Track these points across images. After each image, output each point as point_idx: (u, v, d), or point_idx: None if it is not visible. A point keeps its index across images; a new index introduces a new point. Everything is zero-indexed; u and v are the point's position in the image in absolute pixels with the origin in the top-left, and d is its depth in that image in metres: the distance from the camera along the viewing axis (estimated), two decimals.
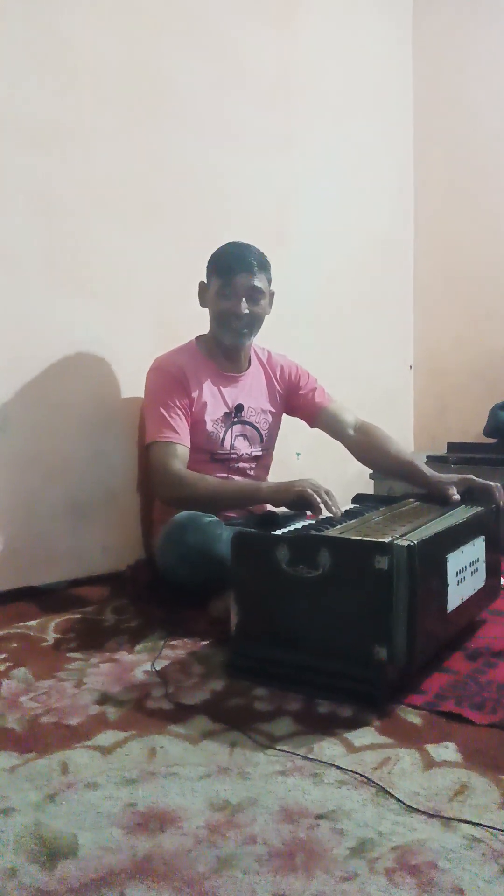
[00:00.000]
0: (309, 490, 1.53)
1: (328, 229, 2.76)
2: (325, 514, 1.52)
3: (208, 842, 0.87)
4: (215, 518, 1.68)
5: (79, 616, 1.73)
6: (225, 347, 1.86)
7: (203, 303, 1.88)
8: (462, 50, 3.20)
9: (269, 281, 1.84)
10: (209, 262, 1.85)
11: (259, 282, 1.80)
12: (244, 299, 1.79)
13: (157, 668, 1.39)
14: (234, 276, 1.77)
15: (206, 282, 1.86)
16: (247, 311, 1.79)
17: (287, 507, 1.64)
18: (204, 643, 1.55)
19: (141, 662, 1.44)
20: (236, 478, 1.88)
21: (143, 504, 2.05)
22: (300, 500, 1.53)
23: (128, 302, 2.03)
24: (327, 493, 1.52)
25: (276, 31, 2.52)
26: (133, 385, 2.00)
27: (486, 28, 3.12)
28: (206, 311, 1.90)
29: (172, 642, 1.54)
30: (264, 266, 1.82)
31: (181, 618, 1.67)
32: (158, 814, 0.93)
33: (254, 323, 1.84)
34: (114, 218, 1.99)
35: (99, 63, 1.94)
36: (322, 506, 1.51)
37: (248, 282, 1.78)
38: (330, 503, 1.51)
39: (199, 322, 2.11)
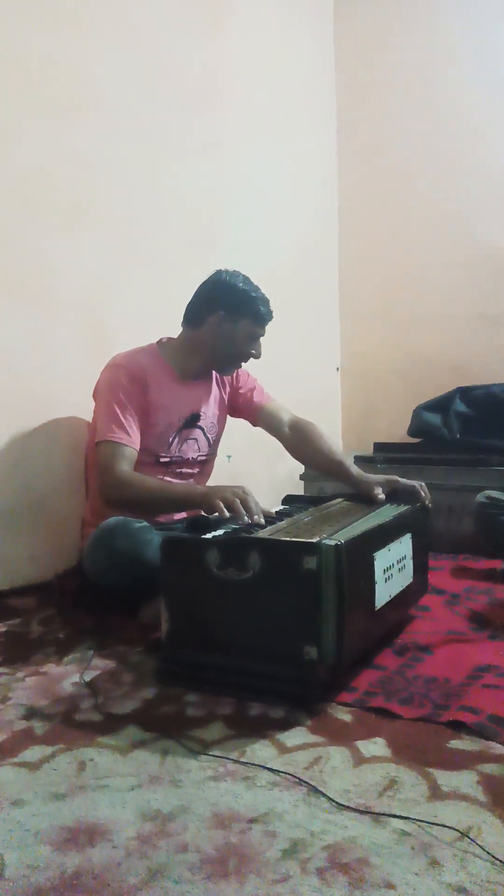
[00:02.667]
0: (218, 503, 1.48)
1: (256, 233, 2.77)
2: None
3: (139, 853, 0.86)
4: (145, 523, 1.66)
5: (4, 629, 1.68)
6: (199, 365, 1.87)
7: (212, 329, 1.83)
8: (383, 56, 3.28)
9: None
10: (239, 297, 1.82)
11: None
12: (259, 344, 1.89)
13: (86, 679, 1.36)
14: (264, 327, 1.87)
15: (227, 315, 1.82)
16: (258, 356, 1.91)
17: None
18: (135, 651, 1.52)
19: (69, 674, 1.40)
20: (177, 482, 1.87)
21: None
22: (215, 511, 1.49)
23: (52, 304, 1.99)
24: (245, 501, 1.48)
25: (202, 35, 2.52)
26: (59, 388, 1.96)
27: (406, 34, 3.21)
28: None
29: (102, 651, 1.51)
30: None
31: (111, 626, 1.64)
32: (88, 828, 0.91)
33: None
34: (37, 218, 1.94)
35: (22, 61, 1.89)
36: (239, 515, 1.47)
37: (265, 331, 1.90)
38: (241, 514, 1.46)
39: (127, 324, 2.09)
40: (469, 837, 0.86)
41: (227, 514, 1.46)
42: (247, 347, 1.86)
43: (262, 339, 1.90)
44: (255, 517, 1.46)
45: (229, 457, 2.59)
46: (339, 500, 1.76)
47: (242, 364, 1.93)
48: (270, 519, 1.53)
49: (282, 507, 1.78)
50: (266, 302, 1.85)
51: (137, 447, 1.74)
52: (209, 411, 1.92)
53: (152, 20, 2.29)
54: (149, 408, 1.78)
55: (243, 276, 1.85)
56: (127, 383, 1.76)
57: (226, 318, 1.81)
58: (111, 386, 1.78)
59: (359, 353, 3.43)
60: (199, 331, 1.85)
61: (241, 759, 1.06)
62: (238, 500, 1.48)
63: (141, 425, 1.77)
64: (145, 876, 0.82)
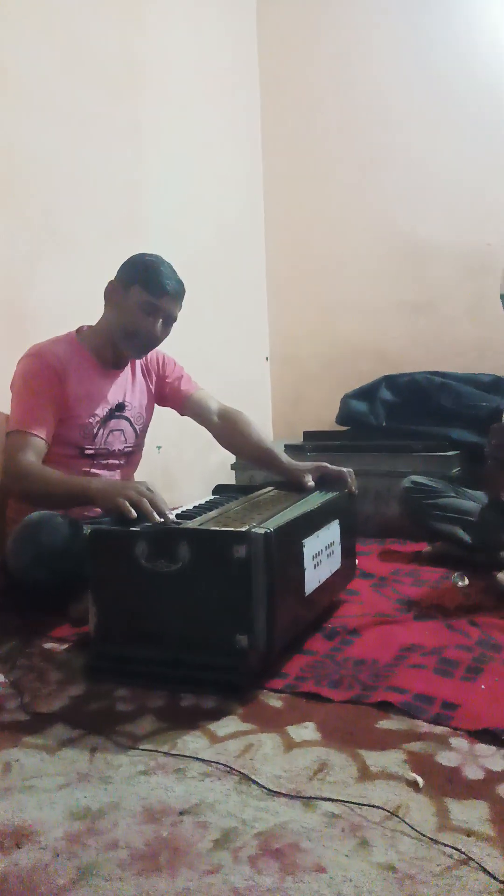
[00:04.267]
0: (122, 502, 1.39)
1: (180, 220, 2.74)
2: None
3: (68, 853, 0.84)
4: (70, 516, 1.62)
5: None
6: (115, 350, 1.80)
7: (109, 301, 1.79)
8: (305, 44, 3.28)
9: (181, 308, 1.82)
10: (134, 268, 1.75)
11: (177, 310, 1.80)
12: (160, 322, 1.76)
13: (11, 679, 1.32)
14: (160, 298, 1.74)
15: (120, 284, 1.76)
16: (159, 335, 1.78)
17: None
18: (63, 647, 1.49)
19: None
20: (103, 473, 1.82)
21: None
22: (118, 512, 1.40)
23: None
24: (152, 501, 1.40)
25: (123, 21, 2.46)
26: None
27: (328, 23, 3.22)
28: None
29: (28, 650, 1.47)
30: (184, 294, 1.81)
31: (38, 623, 1.60)
32: (14, 831, 0.88)
33: (157, 344, 1.82)
34: None
35: None
36: (148, 515, 1.38)
37: (171, 307, 1.77)
38: (149, 514, 1.37)
39: (46, 313, 2.02)
40: (397, 816, 0.88)
41: (133, 514, 1.37)
42: (141, 320, 1.74)
43: (173, 322, 1.80)
44: (167, 515, 1.38)
45: (159, 447, 2.57)
46: (269, 488, 1.77)
47: (147, 344, 1.79)
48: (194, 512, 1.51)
49: (212, 497, 1.78)
50: (162, 274, 1.74)
51: (48, 439, 1.68)
52: (135, 401, 1.89)
53: (71, 4, 2.22)
54: (68, 399, 1.73)
55: (158, 256, 1.79)
56: (42, 374, 1.70)
57: (118, 286, 1.77)
58: (25, 377, 1.72)
59: (287, 341, 3.45)
60: (105, 311, 1.81)
61: (173, 752, 1.05)
62: (145, 500, 1.39)
63: (61, 417, 1.72)
64: (75, 875, 0.80)
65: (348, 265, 3.26)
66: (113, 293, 1.77)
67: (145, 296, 1.73)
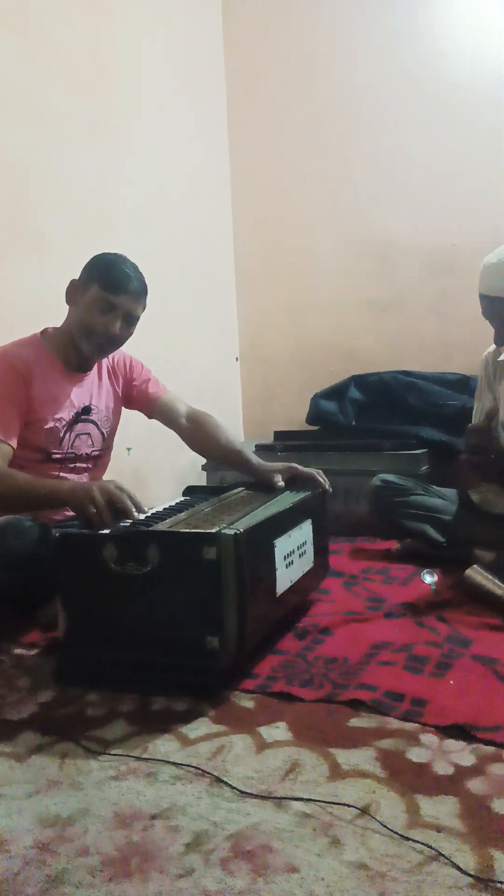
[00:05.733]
0: (88, 507, 1.36)
1: (149, 218, 2.72)
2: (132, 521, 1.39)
3: (38, 861, 0.83)
4: (39, 520, 1.60)
5: None
6: (78, 351, 1.77)
7: (70, 301, 1.76)
8: (272, 41, 3.28)
9: (144, 308, 1.78)
10: (93, 266, 1.73)
11: (139, 309, 1.76)
12: (120, 321, 1.72)
13: None
14: (118, 296, 1.70)
15: (79, 282, 1.74)
16: (118, 333, 1.73)
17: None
18: (32, 653, 1.47)
19: None
20: (70, 477, 1.80)
21: None
22: (81, 513, 1.38)
23: None
24: (121, 502, 1.37)
25: (90, 16, 2.44)
26: None
27: (296, 21, 3.22)
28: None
29: None
30: (146, 293, 1.77)
31: (6, 629, 1.57)
32: None
33: (119, 344, 1.78)
34: None
35: None
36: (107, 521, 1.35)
37: (130, 306, 1.72)
38: (110, 521, 1.34)
39: (12, 313, 2.00)
40: (368, 814, 0.89)
41: (104, 516, 1.35)
42: (98, 318, 1.70)
43: (135, 321, 1.76)
44: (133, 515, 1.35)
45: (129, 449, 2.55)
46: (240, 489, 1.76)
47: (107, 344, 1.75)
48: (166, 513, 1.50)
49: (182, 498, 1.77)
50: (121, 272, 1.71)
51: (13, 443, 1.65)
52: (101, 404, 1.87)
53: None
54: (33, 403, 1.70)
55: (119, 255, 1.76)
56: (7, 377, 1.67)
57: (78, 285, 1.75)
58: None
59: (257, 341, 3.45)
60: (68, 312, 1.79)
61: (144, 756, 1.05)
62: (109, 502, 1.36)
63: (27, 420, 1.69)
64: (45, 884, 0.79)
65: (317, 265, 3.27)
66: (73, 292, 1.75)
67: (103, 293, 1.69)
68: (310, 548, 1.64)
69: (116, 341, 1.76)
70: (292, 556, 1.51)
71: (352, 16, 3.11)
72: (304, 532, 1.60)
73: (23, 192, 2.14)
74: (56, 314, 1.81)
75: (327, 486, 1.78)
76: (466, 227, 2.93)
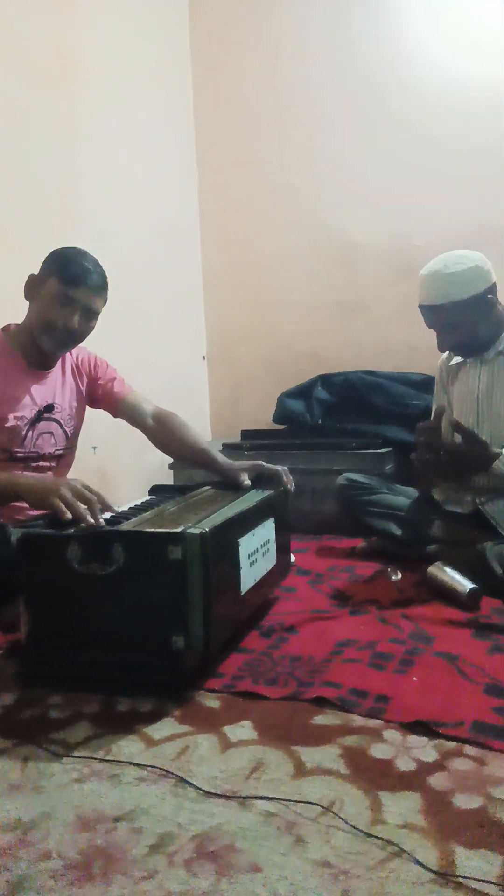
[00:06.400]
0: (58, 502, 1.32)
1: (115, 215, 2.70)
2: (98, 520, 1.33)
3: None
4: None
5: None
6: (40, 348, 1.74)
7: (29, 296, 1.73)
8: (237, 41, 3.28)
9: (105, 302, 1.75)
10: (51, 260, 1.70)
11: (99, 303, 1.73)
12: (78, 315, 1.69)
13: None
14: (76, 289, 1.67)
15: (38, 276, 1.70)
16: (77, 328, 1.70)
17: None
18: None
19: None
20: (30, 475, 1.78)
21: None
22: (52, 510, 1.33)
23: None
24: (88, 500, 1.33)
25: (54, 10, 2.40)
26: None
27: (261, 21, 3.22)
28: None
29: None
30: (106, 287, 1.74)
31: None
32: None
33: (79, 339, 1.75)
34: None
35: None
36: (76, 516, 1.31)
37: (89, 299, 1.69)
38: (84, 514, 1.30)
39: None
40: (332, 811, 0.89)
41: (68, 515, 1.31)
42: (56, 312, 1.68)
43: (94, 316, 1.73)
44: (91, 520, 1.30)
45: (95, 448, 2.53)
46: (207, 488, 1.76)
47: (66, 338, 1.72)
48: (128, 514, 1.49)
49: (148, 498, 1.76)
50: (79, 265, 1.68)
51: None
52: (65, 402, 1.84)
53: None
54: None
55: (78, 248, 1.74)
56: None
57: (37, 281, 1.72)
58: None
59: (224, 341, 3.45)
60: (29, 308, 1.76)
61: (107, 758, 1.04)
62: (77, 504, 1.32)
63: None
64: (5, 889, 0.78)
65: (284, 266, 3.28)
66: (32, 287, 1.72)
67: (61, 287, 1.67)
68: (273, 546, 1.64)
69: (76, 336, 1.74)
70: (256, 554, 1.51)
71: (314, 13, 3.12)
72: (267, 530, 1.60)
73: None
74: (20, 310, 1.79)
75: (290, 486, 1.79)
76: (430, 229, 2.95)
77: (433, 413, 1.99)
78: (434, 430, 1.80)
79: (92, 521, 1.30)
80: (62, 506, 1.32)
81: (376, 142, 3.07)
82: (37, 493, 1.39)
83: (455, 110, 2.93)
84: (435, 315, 1.90)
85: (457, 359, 2.06)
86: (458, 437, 1.81)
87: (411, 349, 3.03)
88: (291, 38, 3.18)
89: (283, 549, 1.71)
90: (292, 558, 1.94)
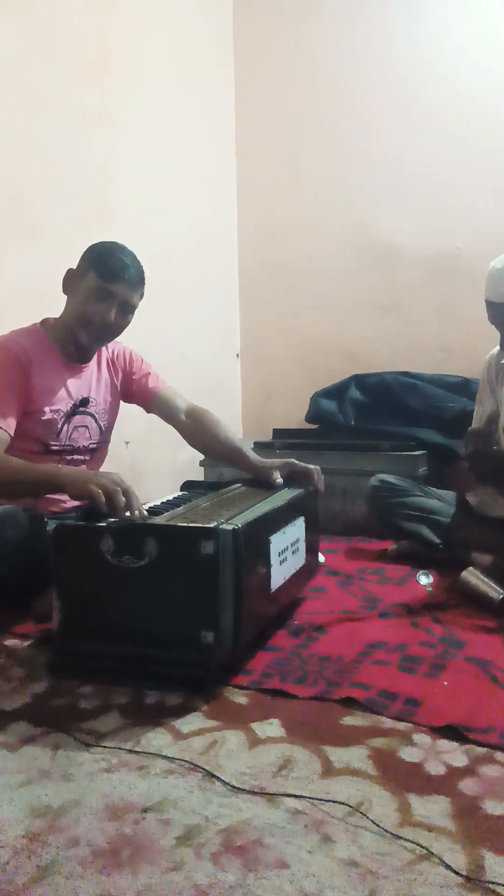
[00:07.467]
0: (97, 492, 1.33)
1: (151, 212, 2.72)
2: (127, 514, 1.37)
3: (28, 851, 0.83)
4: (36, 511, 1.60)
5: None
6: (77, 342, 1.76)
7: (67, 290, 1.75)
8: (281, 38, 3.27)
9: (142, 297, 1.77)
10: (89, 254, 1.72)
11: (136, 298, 1.74)
12: (116, 309, 1.71)
13: None
14: (114, 284, 1.68)
15: (77, 270, 1.73)
16: (114, 322, 1.72)
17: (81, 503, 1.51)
18: (26, 644, 1.47)
19: None
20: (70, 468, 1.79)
21: None
22: (91, 500, 1.35)
23: None
24: (126, 493, 1.35)
25: (96, 5, 2.43)
26: None
27: (304, 19, 3.22)
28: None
29: None
30: (143, 282, 1.75)
31: (1, 620, 1.57)
32: None
33: (116, 333, 1.77)
34: None
35: None
36: (117, 510, 1.33)
37: (127, 294, 1.71)
38: (121, 506, 1.32)
39: (9, 303, 1.99)
40: (360, 811, 0.89)
41: (104, 505, 1.33)
42: (94, 307, 1.69)
43: (131, 310, 1.74)
44: (132, 513, 1.33)
45: (127, 443, 2.55)
46: (238, 485, 1.76)
47: (103, 333, 1.74)
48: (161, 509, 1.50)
49: (180, 493, 1.77)
50: (118, 259, 1.69)
51: (11, 431, 1.64)
52: (100, 396, 1.86)
53: None
54: (32, 392, 1.69)
55: (117, 243, 1.74)
56: (8, 366, 1.66)
57: (75, 274, 1.74)
58: None
59: (258, 339, 3.45)
60: (66, 302, 1.77)
61: (136, 749, 1.04)
62: (119, 492, 1.34)
63: (26, 411, 1.69)
64: (34, 874, 0.79)
65: (319, 265, 3.27)
66: (70, 281, 1.73)
67: (99, 281, 1.68)
68: (302, 545, 1.64)
69: (113, 330, 1.75)
70: (286, 552, 1.51)
71: (357, 15, 3.11)
72: (297, 528, 1.60)
73: (22, 181, 2.14)
74: (55, 304, 1.81)
75: (320, 486, 1.78)
76: (471, 231, 2.92)
77: (484, 416, 1.94)
78: (485, 436, 1.76)
79: (128, 514, 1.31)
80: (101, 496, 1.33)
81: (415, 141, 3.05)
82: (78, 484, 1.41)
83: (495, 110, 2.89)
84: (500, 312, 1.84)
85: None
86: None
87: (447, 351, 3.00)
88: (332, 37, 3.17)
89: (311, 549, 1.71)
90: (321, 559, 1.93)
